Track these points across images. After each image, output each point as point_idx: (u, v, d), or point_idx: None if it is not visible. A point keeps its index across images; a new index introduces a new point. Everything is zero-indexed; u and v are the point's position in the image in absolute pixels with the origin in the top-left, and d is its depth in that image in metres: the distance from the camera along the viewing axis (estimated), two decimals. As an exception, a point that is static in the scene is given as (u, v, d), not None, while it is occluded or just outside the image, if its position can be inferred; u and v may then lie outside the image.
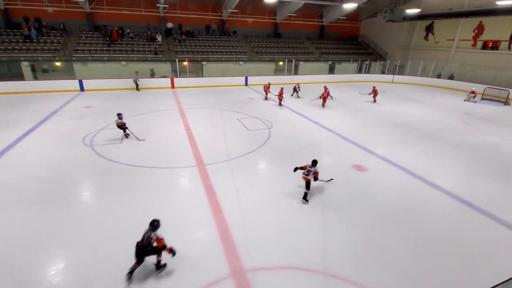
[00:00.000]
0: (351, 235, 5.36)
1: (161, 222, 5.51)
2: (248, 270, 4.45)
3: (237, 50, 26.03)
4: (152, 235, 4.29)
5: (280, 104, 15.66)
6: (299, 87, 18.90)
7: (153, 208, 6.02)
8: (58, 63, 20.41)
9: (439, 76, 25.36)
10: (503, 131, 12.28)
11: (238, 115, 13.58)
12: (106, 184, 7.01)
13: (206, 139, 10.18)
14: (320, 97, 15.93)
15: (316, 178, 6.40)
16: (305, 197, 6.39)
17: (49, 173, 7.41)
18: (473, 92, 18.54)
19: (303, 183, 6.44)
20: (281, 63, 25.49)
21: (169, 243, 4.97)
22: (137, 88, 19.35)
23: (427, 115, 14.51)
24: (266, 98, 17.47)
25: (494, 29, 22.45)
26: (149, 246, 4.24)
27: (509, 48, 21.79)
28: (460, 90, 22.31)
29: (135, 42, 23.27)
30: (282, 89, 16.01)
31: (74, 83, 18.44)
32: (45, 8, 21.90)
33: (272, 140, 10.26)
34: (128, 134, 10.22)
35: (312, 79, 24.50)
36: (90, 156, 8.59)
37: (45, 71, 21.19)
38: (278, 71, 25.41)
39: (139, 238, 4.29)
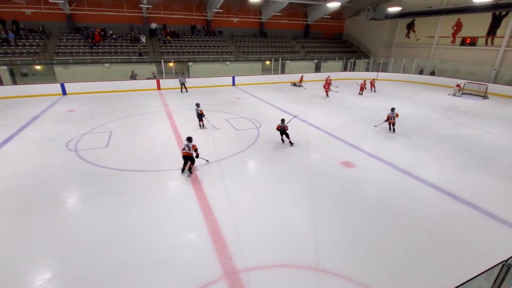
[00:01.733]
0: (341, 231, 5.45)
1: (151, 226, 5.47)
2: (241, 270, 4.45)
3: (223, 50, 25.93)
4: (190, 145, 7.31)
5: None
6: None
7: (142, 212, 5.93)
8: (38, 67, 19.73)
9: (421, 73, 26.11)
10: (483, 124, 12.76)
11: (226, 115, 13.54)
12: (93, 189, 6.83)
13: (194, 141, 10.04)
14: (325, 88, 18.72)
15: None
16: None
17: (32, 181, 7.16)
18: (458, 85, 19.30)
19: (293, 180, 6.49)
20: (268, 62, 25.58)
21: (160, 247, 4.93)
22: (182, 90, 19.60)
23: (411, 111, 14.91)
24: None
25: (471, 26, 23.30)
26: (192, 155, 7.35)
27: (486, 44, 22.65)
28: (442, 86, 23.07)
29: (118, 44, 22.79)
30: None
31: (56, 87, 17.89)
32: (23, 10, 21.13)
33: (261, 140, 10.29)
34: (204, 124, 11.59)
35: (299, 77, 24.67)
36: (75, 161, 8.36)
37: (24, 75, 20.44)
38: (265, 71, 25.48)
39: (129, 244, 4.21)
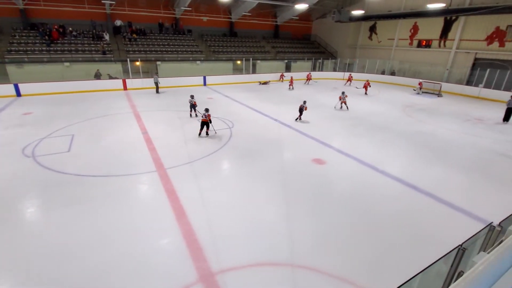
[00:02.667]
0: (315, 226, 5.61)
1: (121, 234, 5.22)
2: (217, 273, 4.41)
3: (193, 49, 25.46)
4: (206, 114, 10.00)
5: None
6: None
7: (111, 219, 5.63)
8: (-15, 66, 17.88)
9: (383, 73, 27.70)
10: (439, 120, 13.86)
11: (198, 115, 13.29)
12: (54, 198, 6.35)
13: (165, 142, 9.80)
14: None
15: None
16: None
17: (-18, 192, 6.48)
18: (420, 84, 20.97)
19: (266, 179, 6.54)
20: (239, 62, 25.55)
21: (132, 254, 4.73)
22: (157, 90, 18.92)
23: (375, 109, 15.76)
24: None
25: (426, 29, 25.20)
26: (208, 121, 10.03)
27: (439, 46, 24.61)
28: (401, 85, 24.66)
29: (79, 41, 21.42)
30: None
31: (9, 88, 16.32)
32: (-35, 2, 19.05)
33: (234, 139, 10.26)
34: (196, 114, 12.61)
35: (271, 77, 25.02)
36: (33, 168, 7.71)
37: (-31, 75, 18.41)
38: (236, 70, 25.44)
39: (99, 254, 3.96)
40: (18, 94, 16.53)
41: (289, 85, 21.83)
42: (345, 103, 15.24)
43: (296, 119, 12.82)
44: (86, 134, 10.39)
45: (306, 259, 4.73)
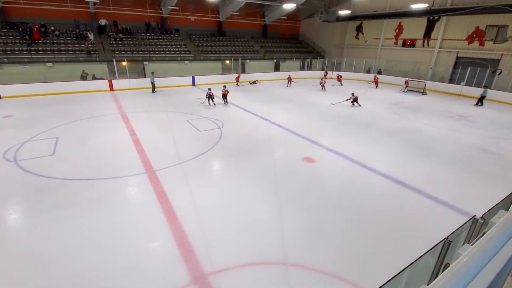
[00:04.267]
0: (306, 224, 5.67)
1: (111, 238, 5.12)
2: (209, 274, 4.38)
3: (181, 49, 25.18)
4: (227, 89, 15.54)
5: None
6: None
7: (99, 223, 5.50)
8: (-38, 67, 17.13)
9: (368, 72, 28.21)
10: (423, 117, 14.24)
11: (187, 116, 13.19)
12: (39, 203, 6.15)
13: (155, 144, 9.66)
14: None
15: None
16: None
17: (-39, 198, 6.21)
18: (406, 82, 21.53)
19: (257, 178, 6.57)
20: (228, 61, 25.46)
21: (122, 258, 4.64)
22: (153, 90, 18.68)
23: (362, 107, 16.04)
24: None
25: (411, 29, 25.82)
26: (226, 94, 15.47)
27: (423, 45, 25.26)
28: (387, 83, 25.18)
29: (62, 41, 20.82)
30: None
31: (-14, 90, 15.70)
32: None
33: (224, 140, 10.22)
34: (215, 103, 15.12)
35: (260, 76, 25.06)
36: (15, 173, 7.45)
37: None
38: (225, 70, 25.34)
39: (88, 259, 3.86)
40: (-2, 96, 15.91)
41: (288, 82, 22.78)
42: (324, 86, 19.41)
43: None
44: (71, 137, 10.12)
45: (298, 257, 4.77)
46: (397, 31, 27.00)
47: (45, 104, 14.91)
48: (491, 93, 18.08)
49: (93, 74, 19.42)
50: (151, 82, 18.66)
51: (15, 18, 20.95)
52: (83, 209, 5.94)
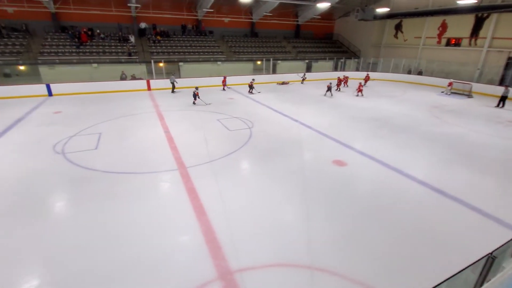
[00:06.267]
0: (334, 228, 5.52)
1: (143, 229, 5.41)
2: (235, 271, 4.45)
3: (214, 50, 25.84)
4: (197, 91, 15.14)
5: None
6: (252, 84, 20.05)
7: (134, 215, 5.85)
8: (22, 67, 19.17)
9: (409, 72, 26.68)
10: (468, 122, 13.15)
11: (218, 115, 13.50)
12: (83, 193, 6.70)
13: (187, 141, 10.03)
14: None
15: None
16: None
17: (18, 185, 6.96)
18: (450, 83, 19.98)
19: (286, 179, 6.54)
20: (259, 62, 25.62)
21: (153, 249, 4.89)
22: (173, 90, 19.32)
23: (399, 110, 15.22)
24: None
25: (456, 27, 23.97)
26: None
27: (469, 44, 23.33)
28: (428, 85, 23.63)
29: (106, 44, 22.41)
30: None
31: (41, 88, 17.40)
32: (4, 8, 20.50)
33: (253, 140, 10.31)
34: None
35: (291, 77, 24.87)
36: (63, 164, 8.17)
37: (7, 75, 19.78)
38: (256, 71, 25.52)
39: (121, 247, 4.14)
40: (50, 93, 17.58)
41: (342, 84, 21.98)
42: (330, 90, 18.48)
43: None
44: (112, 133, 10.86)
45: (326, 262, 4.67)
46: (440, 29, 25.22)
47: (90, 101, 16.16)
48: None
49: (134, 75, 20.65)
50: (171, 82, 19.24)
51: (66, 22, 22.96)
52: (120, 201, 6.35)
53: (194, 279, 4.29)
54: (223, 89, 20.82)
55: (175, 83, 19.33)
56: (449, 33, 24.69)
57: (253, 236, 5.28)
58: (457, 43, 24.22)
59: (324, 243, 5.13)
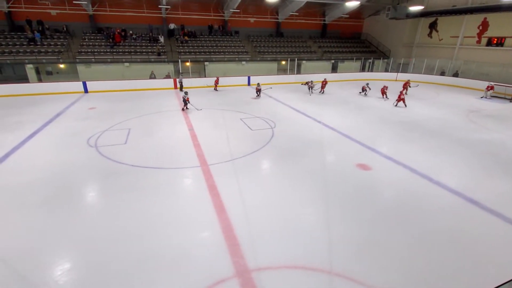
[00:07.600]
0: (355, 233, 5.34)
1: (166, 223, 5.57)
2: (253, 270, 4.45)
3: (239, 50, 26.05)
4: (187, 96, 14.02)
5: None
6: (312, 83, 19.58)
7: (158, 209, 6.05)
8: (62, 65, 20.62)
9: (443, 74, 25.15)
10: (509, 128, 12.13)
11: (241, 115, 13.60)
12: (111, 185, 7.06)
13: (210, 139, 10.21)
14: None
15: None
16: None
17: (55, 175, 7.48)
18: (492, 87, 18.32)
19: (307, 181, 6.42)
20: (283, 62, 25.45)
21: (174, 244, 5.01)
22: (181, 89, 19.70)
23: (432, 113, 14.39)
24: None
25: (499, 25, 22.20)
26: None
27: (514, 44, 21.52)
28: (465, 88, 22.12)
29: (137, 44, 23.42)
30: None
31: (78, 85, 18.60)
32: (48, 10, 22.11)
33: (275, 140, 10.26)
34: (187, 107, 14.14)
35: (316, 78, 24.42)
36: (95, 157, 8.66)
37: (49, 73, 21.43)
38: (280, 71, 25.38)
39: (145, 239, 4.29)
40: (86, 90, 18.72)
41: (321, 88, 19.55)
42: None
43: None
44: (140, 129, 11.33)
45: (346, 268, 4.52)
46: (480, 28, 23.50)
47: (122, 99, 16.98)
48: None
49: (169, 74, 21.63)
50: (179, 81, 19.60)
51: (102, 24, 24.30)
52: (146, 195, 6.60)
53: (212, 275, 4.35)
54: (215, 89, 20.44)
55: (182, 82, 19.71)
56: (490, 32, 22.94)
57: (272, 236, 5.25)
58: (500, 42, 22.43)
59: (345, 248, 4.98)
